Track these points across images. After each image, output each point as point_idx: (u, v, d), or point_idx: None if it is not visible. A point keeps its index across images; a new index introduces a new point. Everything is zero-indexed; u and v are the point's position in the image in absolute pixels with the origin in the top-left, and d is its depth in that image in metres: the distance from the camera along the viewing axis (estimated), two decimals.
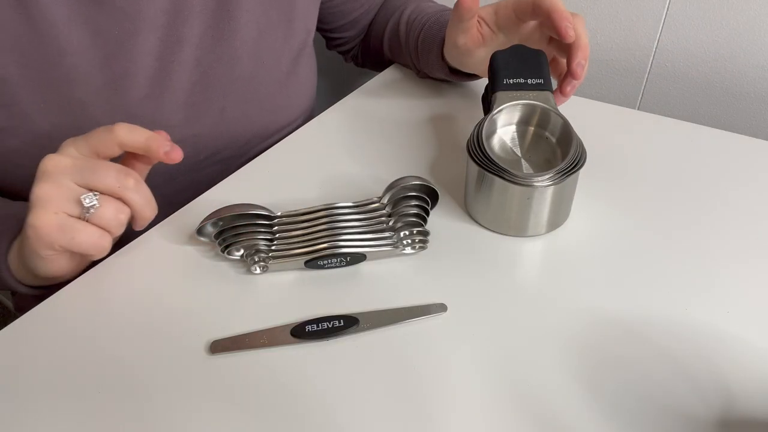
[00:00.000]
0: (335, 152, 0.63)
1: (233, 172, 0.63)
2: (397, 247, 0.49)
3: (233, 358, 0.42)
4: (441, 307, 0.45)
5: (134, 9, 0.54)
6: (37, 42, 0.50)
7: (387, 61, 0.79)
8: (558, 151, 0.51)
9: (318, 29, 0.77)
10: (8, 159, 0.54)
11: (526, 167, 0.51)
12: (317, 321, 0.44)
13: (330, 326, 0.43)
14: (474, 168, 0.50)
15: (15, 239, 0.49)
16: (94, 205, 0.43)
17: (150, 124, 0.56)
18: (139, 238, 0.52)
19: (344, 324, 0.43)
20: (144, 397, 0.40)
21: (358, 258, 0.48)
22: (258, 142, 0.66)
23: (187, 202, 0.56)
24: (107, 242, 0.45)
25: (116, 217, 0.44)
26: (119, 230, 0.45)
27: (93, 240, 0.44)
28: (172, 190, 0.59)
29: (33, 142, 0.53)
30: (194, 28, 0.57)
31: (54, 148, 0.52)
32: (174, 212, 0.55)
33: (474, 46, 0.59)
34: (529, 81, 0.53)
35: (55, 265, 0.46)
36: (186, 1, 0.57)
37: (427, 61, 0.69)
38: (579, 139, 0.50)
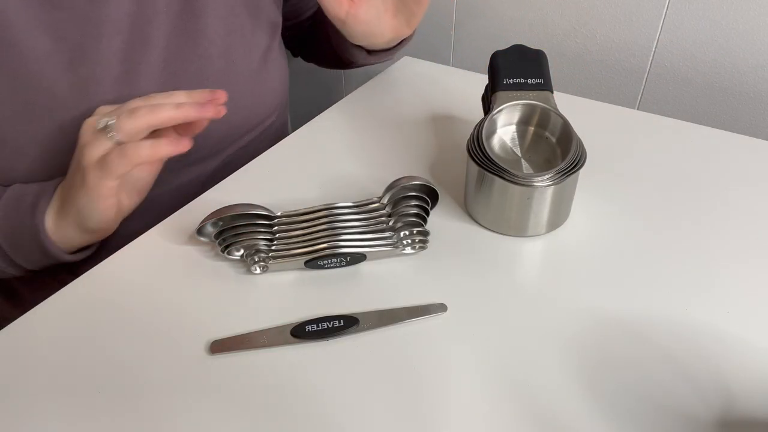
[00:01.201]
0: (335, 152, 0.63)
1: (210, 174, 0.63)
2: (397, 247, 0.49)
3: (233, 358, 0.42)
4: (441, 307, 0.45)
5: (97, 14, 0.53)
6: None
7: (334, 61, 0.78)
8: (558, 151, 0.51)
9: None
10: None
11: (526, 167, 0.51)
12: (317, 321, 0.44)
13: (330, 326, 0.43)
14: (474, 168, 0.50)
15: (47, 210, 0.51)
16: (108, 123, 0.46)
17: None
18: (139, 238, 0.52)
19: (344, 324, 0.43)
20: (144, 397, 0.40)
21: (358, 258, 0.48)
22: (230, 143, 0.65)
23: (170, 207, 0.56)
24: (148, 150, 0.46)
25: (137, 123, 0.46)
26: (154, 121, 0.47)
27: (139, 151, 0.46)
28: (150, 194, 0.59)
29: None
30: (160, 29, 0.57)
31: (20, 156, 0.53)
32: (165, 216, 0.55)
33: (350, 10, 0.61)
34: (529, 81, 0.53)
35: (107, 203, 0.49)
36: (150, 3, 0.56)
37: (348, 51, 0.69)
38: (579, 139, 0.50)
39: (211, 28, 0.60)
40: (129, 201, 0.52)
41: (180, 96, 0.49)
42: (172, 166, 0.61)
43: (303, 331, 0.43)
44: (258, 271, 0.48)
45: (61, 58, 0.52)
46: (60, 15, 0.51)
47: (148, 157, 0.47)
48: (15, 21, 0.50)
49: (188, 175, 0.63)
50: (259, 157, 0.63)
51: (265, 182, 0.59)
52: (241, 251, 0.49)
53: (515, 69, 0.54)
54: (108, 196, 0.48)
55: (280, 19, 0.69)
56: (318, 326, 0.43)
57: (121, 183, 0.49)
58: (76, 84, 0.53)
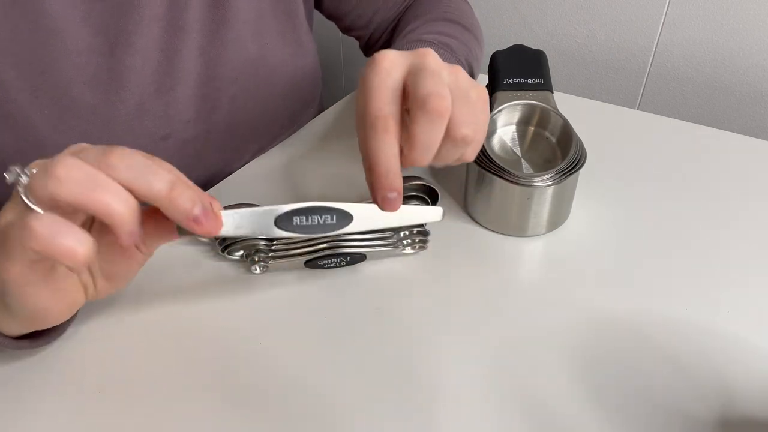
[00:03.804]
0: (335, 152, 0.63)
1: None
2: (397, 247, 0.49)
3: (233, 357, 0.42)
4: (437, 213, 0.40)
5: (134, 1, 0.52)
6: (39, 43, 0.49)
7: None
8: (558, 151, 0.51)
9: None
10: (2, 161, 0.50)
11: (526, 167, 0.51)
12: (305, 211, 0.37)
13: (321, 221, 0.37)
14: (474, 168, 0.50)
15: None
16: (20, 177, 0.30)
17: (164, 119, 0.56)
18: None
19: (336, 220, 0.38)
20: (143, 396, 0.40)
21: (358, 258, 0.48)
22: (275, 134, 0.65)
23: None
24: (63, 233, 0.29)
25: (51, 190, 0.30)
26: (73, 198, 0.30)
27: (53, 238, 0.29)
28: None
29: (35, 152, 0.51)
30: (195, 13, 0.56)
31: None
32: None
33: None
34: (529, 81, 0.53)
35: (23, 291, 0.34)
36: None
37: None
38: (579, 139, 0.50)
39: (243, 10, 0.58)
40: (93, 289, 0.38)
41: (153, 172, 0.32)
42: (236, 146, 0.61)
43: (290, 223, 0.36)
44: (258, 271, 0.48)
45: (102, 50, 0.51)
46: (100, 4, 0.50)
47: (60, 254, 0.30)
48: (57, 13, 0.49)
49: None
50: (259, 157, 0.63)
51: (265, 182, 0.59)
52: (241, 251, 0.49)
53: (515, 69, 0.54)
54: (21, 284, 0.33)
55: (312, 2, 0.68)
56: (308, 219, 0.37)
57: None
58: (117, 76, 0.52)
